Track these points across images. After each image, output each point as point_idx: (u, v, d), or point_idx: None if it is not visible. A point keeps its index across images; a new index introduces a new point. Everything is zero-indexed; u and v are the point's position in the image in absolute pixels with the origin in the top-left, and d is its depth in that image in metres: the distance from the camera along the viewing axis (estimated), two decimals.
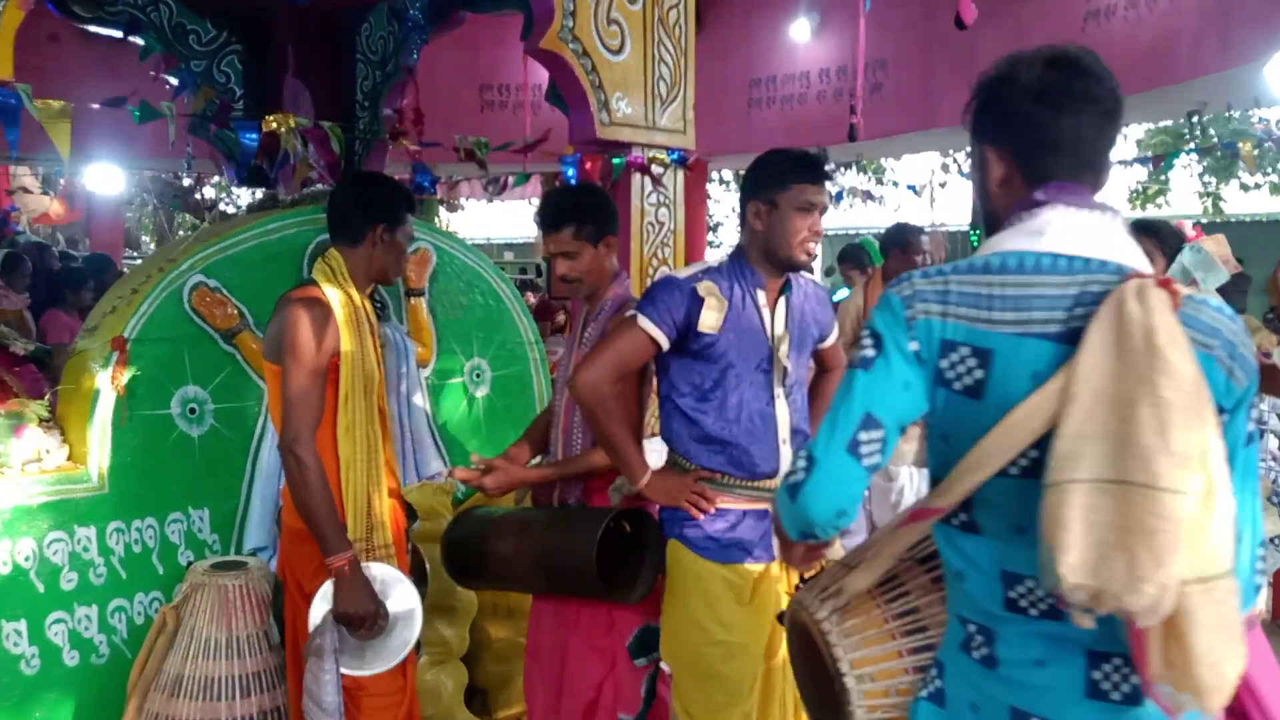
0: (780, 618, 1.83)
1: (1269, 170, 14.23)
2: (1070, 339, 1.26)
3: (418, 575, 2.94)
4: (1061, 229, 1.33)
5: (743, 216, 2.46)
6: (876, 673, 1.52)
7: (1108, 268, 1.30)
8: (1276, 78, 6.01)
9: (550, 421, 2.76)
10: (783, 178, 2.37)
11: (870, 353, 1.37)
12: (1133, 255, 1.33)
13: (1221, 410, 1.26)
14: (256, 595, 2.72)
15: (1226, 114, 9.02)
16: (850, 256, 6.14)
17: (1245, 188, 14.39)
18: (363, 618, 2.35)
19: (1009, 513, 1.33)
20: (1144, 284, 1.22)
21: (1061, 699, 1.33)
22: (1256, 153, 6.49)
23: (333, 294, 2.45)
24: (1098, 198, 1.37)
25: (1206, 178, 14.44)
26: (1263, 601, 4.32)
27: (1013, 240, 1.35)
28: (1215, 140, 9.56)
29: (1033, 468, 1.29)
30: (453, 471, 2.85)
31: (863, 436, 1.35)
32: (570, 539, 2.46)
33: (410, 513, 2.90)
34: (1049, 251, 1.32)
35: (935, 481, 1.39)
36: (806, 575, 1.83)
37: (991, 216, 1.46)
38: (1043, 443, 1.26)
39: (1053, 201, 1.35)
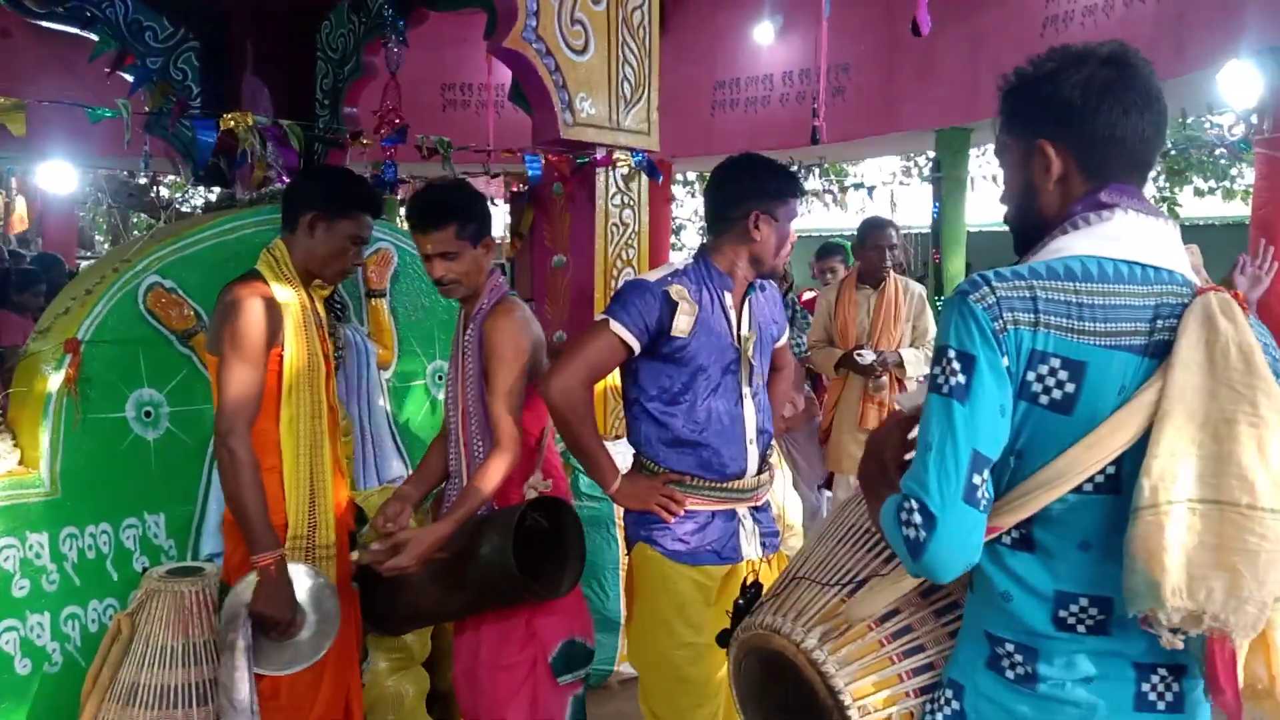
0: (721, 639, 1.77)
1: (1221, 176, 14.49)
2: (1153, 352, 1.24)
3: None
4: (1136, 236, 1.29)
5: (728, 222, 2.43)
6: (878, 701, 1.46)
7: (1175, 278, 1.28)
8: (1229, 84, 6.12)
9: (445, 441, 2.62)
10: (783, 192, 2.42)
11: (961, 379, 1.24)
12: (1187, 265, 1.31)
13: None
14: (213, 602, 2.67)
15: (1181, 120, 9.18)
16: (834, 251, 5.87)
17: (1200, 192, 14.64)
18: (277, 622, 2.33)
19: (1075, 529, 1.29)
20: (1228, 299, 1.21)
21: (1110, 714, 1.30)
22: (1209, 158, 6.63)
23: (275, 284, 2.41)
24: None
25: (1161, 182, 14.68)
26: None
27: (1087, 244, 1.30)
28: (1170, 145, 9.74)
29: (1108, 483, 1.26)
30: (360, 556, 2.53)
31: (976, 480, 1.24)
32: (484, 544, 2.33)
33: (360, 516, 2.86)
34: (1126, 259, 1.28)
35: (993, 499, 1.32)
36: (747, 583, 1.78)
37: (1037, 214, 1.39)
38: (1120, 458, 1.23)
39: (1121, 205, 1.31)
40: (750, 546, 2.46)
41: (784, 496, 4.09)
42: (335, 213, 2.46)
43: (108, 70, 4.45)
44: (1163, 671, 1.30)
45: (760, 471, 2.48)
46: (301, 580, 2.41)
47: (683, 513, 2.38)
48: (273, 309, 2.36)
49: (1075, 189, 1.35)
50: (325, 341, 2.53)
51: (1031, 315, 1.24)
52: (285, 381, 2.40)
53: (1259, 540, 1.14)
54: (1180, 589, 1.15)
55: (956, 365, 1.25)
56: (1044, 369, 1.25)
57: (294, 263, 2.46)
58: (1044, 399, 1.25)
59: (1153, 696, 1.30)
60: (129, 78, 4.46)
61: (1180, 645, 1.20)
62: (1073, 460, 1.23)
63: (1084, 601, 1.29)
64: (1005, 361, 1.24)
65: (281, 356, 2.39)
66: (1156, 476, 1.17)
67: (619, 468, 2.46)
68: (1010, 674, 1.35)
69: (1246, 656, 1.21)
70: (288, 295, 2.41)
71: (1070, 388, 1.24)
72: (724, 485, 2.41)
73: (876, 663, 1.47)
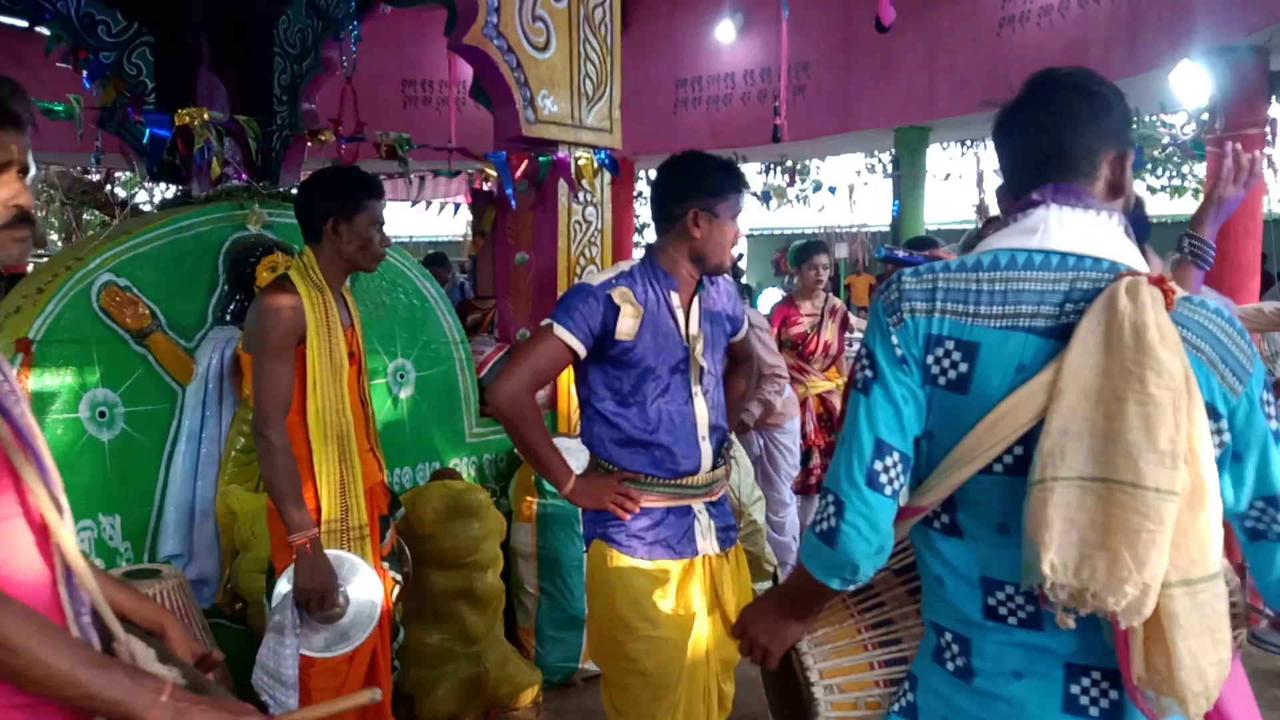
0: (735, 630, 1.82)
1: (1172, 174, 14.77)
2: (1060, 334, 1.26)
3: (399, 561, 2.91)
4: (1054, 227, 1.33)
5: (669, 221, 2.44)
6: (846, 684, 1.49)
7: (1100, 265, 1.30)
8: (1181, 84, 6.24)
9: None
10: (723, 188, 2.41)
11: (868, 374, 1.36)
12: (1128, 253, 1.33)
13: (1218, 415, 1.25)
14: (171, 604, 2.64)
15: (1134, 119, 9.31)
16: (818, 249, 5.41)
17: (1152, 190, 14.91)
18: (319, 593, 2.42)
19: (992, 512, 1.32)
20: (1136, 280, 1.22)
21: (1038, 713, 1.30)
22: (1163, 155, 6.75)
23: (302, 288, 2.55)
24: (1099, 196, 1.37)
25: None
26: None
27: (1007, 239, 1.36)
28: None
29: (1017, 465, 1.28)
30: None
31: (878, 466, 1.31)
32: None
33: (394, 502, 2.87)
34: (1040, 248, 1.32)
35: (917, 482, 1.37)
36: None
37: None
38: (1028, 439, 1.25)
39: (1047, 201, 1.36)
40: (706, 542, 2.47)
41: (741, 489, 4.11)
42: (350, 211, 2.59)
43: (60, 65, 4.36)
44: (1096, 675, 1.29)
45: (715, 467, 2.50)
46: (348, 566, 2.49)
47: (638, 510, 2.40)
48: (295, 311, 2.50)
49: (1012, 201, 1.44)
50: (354, 340, 2.67)
51: (928, 304, 1.33)
52: (309, 377, 2.53)
53: (1140, 520, 1.14)
54: (1060, 565, 1.17)
55: (865, 362, 1.37)
56: (940, 351, 1.32)
57: (324, 267, 2.60)
58: (942, 380, 1.32)
59: (1084, 700, 1.29)
60: (83, 72, 4.38)
61: (1073, 625, 1.22)
62: (978, 439, 1.27)
63: (1010, 589, 1.31)
64: (901, 353, 1.33)
65: (305, 353, 2.53)
66: (1046, 453, 1.20)
67: (571, 468, 2.46)
68: (950, 666, 1.37)
69: (1149, 647, 1.20)
70: (310, 296, 2.53)
71: (964, 368, 1.30)
72: (678, 482, 2.43)
73: (851, 648, 1.52)
